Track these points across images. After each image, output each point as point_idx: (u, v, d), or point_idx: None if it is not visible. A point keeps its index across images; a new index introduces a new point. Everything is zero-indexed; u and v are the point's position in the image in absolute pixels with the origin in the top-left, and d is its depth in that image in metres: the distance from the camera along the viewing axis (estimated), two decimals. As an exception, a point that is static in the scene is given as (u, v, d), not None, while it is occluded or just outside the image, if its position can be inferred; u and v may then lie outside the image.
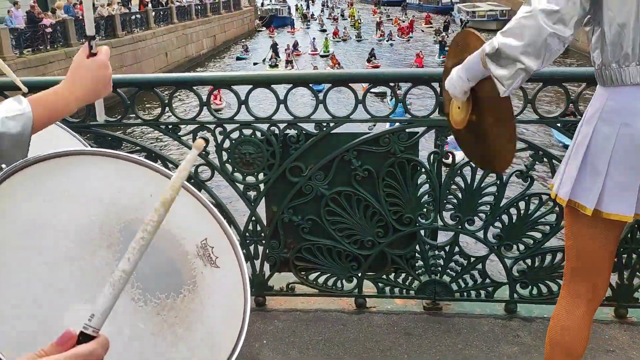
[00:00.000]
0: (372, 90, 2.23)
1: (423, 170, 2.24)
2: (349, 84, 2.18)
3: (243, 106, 2.22)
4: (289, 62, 27.74)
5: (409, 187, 2.24)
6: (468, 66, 1.46)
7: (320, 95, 2.18)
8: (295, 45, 32.98)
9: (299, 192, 2.29)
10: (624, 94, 1.41)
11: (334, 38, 38.29)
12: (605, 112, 1.42)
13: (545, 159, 2.16)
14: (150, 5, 25.73)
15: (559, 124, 2.14)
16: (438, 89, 2.12)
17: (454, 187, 2.24)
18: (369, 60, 27.85)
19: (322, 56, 30.70)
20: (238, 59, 31.36)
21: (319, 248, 2.35)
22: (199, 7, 32.78)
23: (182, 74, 2.53)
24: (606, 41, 1.39)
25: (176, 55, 27.53)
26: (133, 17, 22.23)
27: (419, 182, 2.26)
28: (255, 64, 29.07)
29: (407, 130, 2.19)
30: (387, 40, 36.34)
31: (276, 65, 27.48)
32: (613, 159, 1.40)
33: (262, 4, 57.34)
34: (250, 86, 2.20)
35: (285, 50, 29.06)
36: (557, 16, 1.30)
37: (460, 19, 44.95)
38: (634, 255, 2.20)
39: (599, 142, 1.42)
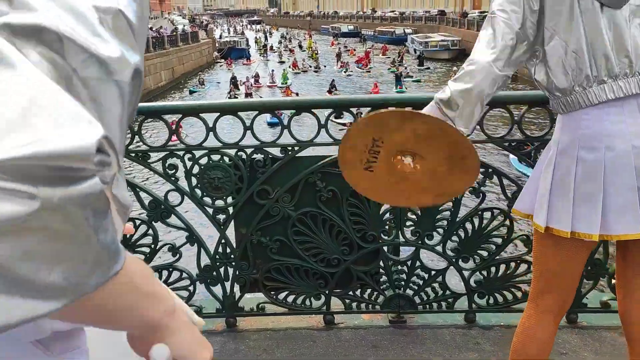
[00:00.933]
0: (336, 120, 2.37)
1: (384, 189, 2.37)
2: (312, 110, 2.31)
3: (211, 133, 2.32)
4: (248, 95, 27.61)
5: (372, 206, 2.37)
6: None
7: (285, 121, 2.30)
8: (256, 77, 32.99)
9: (266, 214, 2.38)
10: (596, 119, 1.45)
11: (293, 69, 38.44)
12: (584, 139, 1.46)
13: (494, 176, 2.33)
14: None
15: (505, 143, 2.32)
16: (395, 113, 2.27)
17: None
18: (329, 92, 28.07)
19: (281, 88, 30.90)
20: (191, 92, 30.91)
21: (287, 267, 2.45)
22: (156, 40, 32.80)
23: (151, 103, 2.62)
24: (566, 69, 1.45)
25: (134, 87, 27.34)
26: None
27: (381, 201, 2.39)
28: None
29: (367, 152, 2.33)
30: (345, 72, 36.79)
31: (235, 98, 27.72)
32: (607, 182, 1.44)
33: (220, 37, 57.73)
34: (218, 114, 2.30)
35: (244, 82, 29.02)
36: (500, 61, 1.43)
37: (414, 49, 46.33)
38: (580, 263, 2.38)
39: (585, 169, 1.46)
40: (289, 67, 38.87)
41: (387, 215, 2.42)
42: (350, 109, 2.35)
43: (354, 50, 47.77)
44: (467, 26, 44.92)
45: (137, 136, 2.31)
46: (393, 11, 75.17)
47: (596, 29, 1.42)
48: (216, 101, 2.37)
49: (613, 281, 2.13)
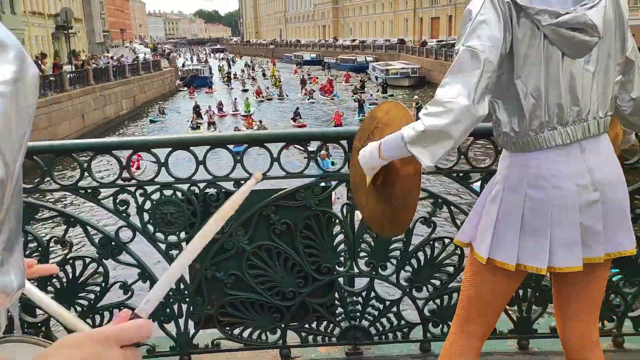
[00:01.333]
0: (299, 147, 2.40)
1: (337, 221, 2.40)
2: (264, 144, 2.33)
3: (163, 168, 2.31)
4: (211, 124, 27.40)
5: (325, 238, 2.39)
6: (389, 147, 1.53)
7: (238, 155, 2.30)
8: (220, 105, 32.74)
9: (220, 248, 2.37)
10: (544, 160, 1.52)
11: (257, 97, 38.37)
12: (532, 178, 1.53)
13: (444, 206, 2.39)
14: (64, 67, 25.23)
15: (453, 174, 2.38)
16: (346, 146, 2.31)
17: (366, 235, 2.41)
18: (294, 119, 28.02)
19: (243, 116, 30.81)
20: (152, 121, 30.33)
21: (242, 302, 2.42)
22: (117, 68, 32.48)
23: (101, 139, 2.59)
24: (524, 112, 1.50)
25: (94, 117, 26.93)
26: (46, 80, 21.66)
27: (334, 232, 2.41)
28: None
29: (320, 184, 2.36)
30: (308, 99, 36.98)
31: (198, 127, 27.02)
32: (554, 219, 1.51)
33: (183, 65, 57.63)
34: (170, 149, 2.30)
35: (207, 112, 28.79)
36: (480, 105, 1.44)
37: (376, 77, 47.14)
38: (529, 290, 2.44)
39: (534, 206, 1.53)
40: (253, 95, 38.84)
41: (342, 246, 2.44)
42: (302, 141, 2.37)
43: (317, 78, 48.22)
44: (425, 54, 46.09)
45: (86, 173, 2.28)
46: (354, 40, 76.57)
47: (555, 77, 1.47)
48: (167, 136, 2.37)
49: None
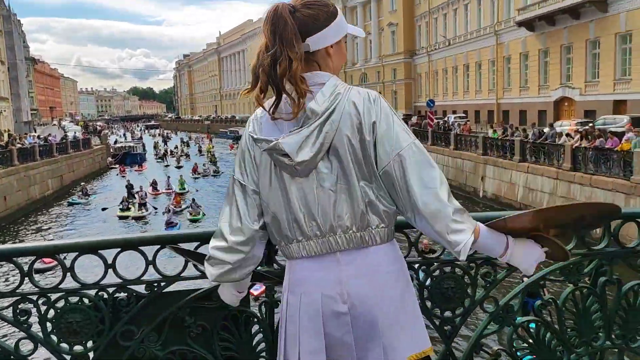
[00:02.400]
0: None
1: (256, 320, 2.33)
2: (177, 244, 2.27)
3: (69, 273, 2.19)
4: (142, 205, 26.44)
5: (244, 339, 2.31)
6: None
7: (150, 256, 2.23)
8: (154, 184, 31.75)
9: (131, 356, 2.23)
10: (298, 268, 1.65)
11: (193, 174, 37.99)
12: (291, 284, 1.66)
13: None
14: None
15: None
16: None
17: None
18: None
19: (178, 194, 30.16)
20: (70, 204, 28.93)
21: (155, 414, 2.26)
22: (44, 147, 31.54)
23: (1, 245, 2.42)
24: (271, 226, 1.67)
25: (17, 198, 25.77)
26: (-34, 161, 20.67)
27: (252, 332, 2.34)
28: (104, 209, 27.22)
29: (237, 283, 2.30)
30: None
31: (128, 209, 26.07)
32: (302, 326, 1.60)
33: (115, 142, 56.76)
34: (77, 253, 2.19)
35: (138, 192, 27.75)
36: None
37: (311, 151, 47.99)
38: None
39: (290, 311, 1.64)
40: (189, 172, 38.38)
41: (262, 345, 2.35)
42: (218, 240, 2.33)
43: None
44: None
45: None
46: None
47: (288, 195, 1.60)
48: (74, 240, 2.26)
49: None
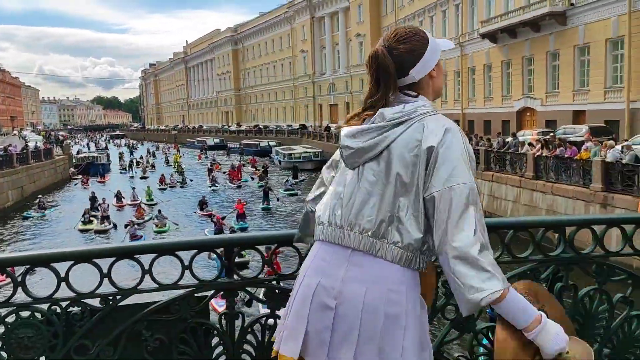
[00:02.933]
0: None
1: (215, 332, 2.29)
2: (134, 256, 2.21)
3: (20, 287, 2.11)
4: (105, 219, 25.27)
5: (203, 352, 2.26)
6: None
7: (105, 268, 2.17)
8: (118, 195, 30.89)
9: (86, 372, 2.16)
10: (314, 253, 1.73)
11: (160, 185, 37.05)
12: (304, 266, 1.75)
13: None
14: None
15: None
16: (222, 255, 2.26)
17: (246, 346, 2.31)
18: (201, 208, 27.04)
19: (145, 205, 29.24)
20: (25, 218, 27.22)
21: None
22: (3, 158, 30.65)
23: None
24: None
25: (-26, 210, 24.91)
26: None
27: (212, 344, 2.29)
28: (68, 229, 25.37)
29: (195, 295, 2.26)
30: (210, 187, 36.11)
31: (90, 222, 24.93)
32: (294, 304, 1.69)
33: (78, 152, 55.49)
34: (28, 266, 2.12)
35: (100, 205, 26.55)
36: None
37: (279, 161, 48.00)
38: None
39: (294, 286, 1.75)
40: (157, 182, 37.36)
41: (222, 358, 2.31)
42: (177, 251, 2.29)
43: (219, 164, 47.91)
44: (326, 139, 47.89)
45: None
46: (257, 125, 78.22)
47: (337, 181, 1.74)
48: (25, 253, 2.19)
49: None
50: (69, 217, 26.86)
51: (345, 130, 1.69)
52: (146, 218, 25.90)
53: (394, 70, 1.63)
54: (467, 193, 1.52)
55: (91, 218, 25.31)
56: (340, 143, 1.72)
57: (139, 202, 29.96)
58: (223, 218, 22.25)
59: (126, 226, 23.58)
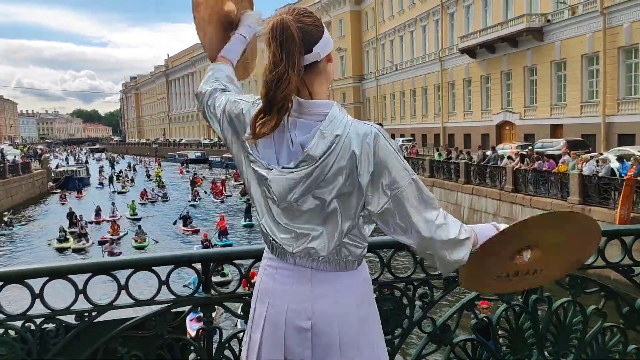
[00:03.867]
0: None
1: (192, 348, 2.27)
2: (110, 271, 2.20)
3: (-8, 304, 2.08)
4: (82, 236, 24.12)
5: (182, 368, 2.24)
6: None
7: (80, 285, 2.15)
8: (97, 211, 30.21)
9: (59, 391, 2.12)
10: (270, 277, 1.64)
11: (141, 200, 36.25)
12: (260, 292, 1.66)
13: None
14: None
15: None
16: (200, 269, 2.25)
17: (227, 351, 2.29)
18: (185, 224, 26.30)
19: (131, 219, 28.48)
20: None
21: None
22: (-21, 172, 30.11)
23: None
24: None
25: (-52, 225, 24.38)
26: None
27: (190, 360, 2.28)
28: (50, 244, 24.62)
29: (172, 310, 2.24)
30: (190, 201, 35.15)
31: (66, 240, 23.87)
32: (264, 335, 1.61)
33: (57, 166, 54.68)
34: (1, 283, 2.09)
35: (77, 221, 25.77)
36: None
37: (261, 174, 47.69)
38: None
39: (256, 319, 1.64)
40: (138, 197, 36.58)
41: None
42: (153, 267, 2.27)
43: (201, 178, 47.50)
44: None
45: None
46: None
47: (269, 205, 1.62)
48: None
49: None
50: (44, 233, 26.11)
51: (277, 186, 1.54)
52: (121, 234, 25.26)
53: (300, 41, 1.50)
54: (414, 190, 1.53)
55: (67, 236, 24.23)
56: (264, 188, 1.59)
57: (118, 217, 29.25)
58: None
59: (100, 243, 22.90)
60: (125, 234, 25.42)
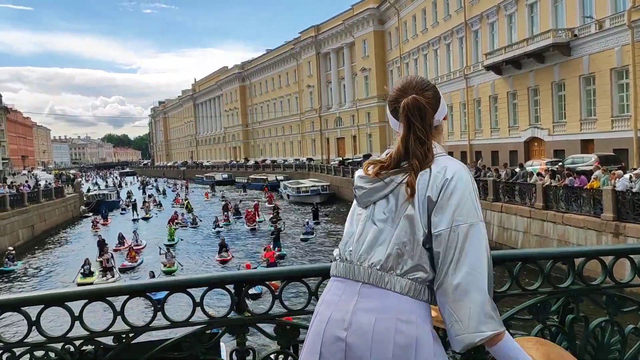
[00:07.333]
0: None
1: (226, 369, 2.29)
2: (146, 294, 2.24)
3: (34, 327, 2.14)
4: (108, 270, 22.29)
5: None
6: None
7: (118, 307, 2.20)
8: (121, 239, 29.00)
9: (97, 411, 2.16)
10: (328, 288, 1.77)
11: (172, 225, 34.06)
12: (319, 301, 1.76)
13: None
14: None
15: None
16: (232, 291, 2.28)
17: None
18: (220, 252, 24.69)
19: (167, 245, 26.90)
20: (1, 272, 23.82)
21: None
22: (14, 197, 30.93)
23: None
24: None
25: (-15, 249, 25.00)
26: None
27: (223, 382, 2.29)
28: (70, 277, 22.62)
29: (207, 332, 2.28)
30: (215, 228, 33.40)
31: (90, 274, 21.91)
32: (307, 340, 1.72)
33: (89, 190, 55.88)
34: (42, 306, 2.15)
35: (101, 256, 23.63)
36: None
37: (287, 195, 47.97)
38: None
39: (310, 324, 1.75)
40: (167, 223, 34.72)
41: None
42: (188, 288, 2.31)
43: (229, 203, 43.83)
44: (334, 172, 48.00)
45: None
46: (264, 160, 78.66)
47: (351, 218, 1.80)
48: (38, 293, 2.22)
49: None
50: (65, 270, 24.26)
51: (359, 172, 1.78)
52: (139, 261, 24.49)
53: (432, 115, 1.72)
54: (472, 232, 1.58)
55: (91, 270, 22.21)
56: (354, 184, 1.80)
57: (143, 245, 28.22)
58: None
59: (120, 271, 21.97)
60: (141, 262, 24.66)
